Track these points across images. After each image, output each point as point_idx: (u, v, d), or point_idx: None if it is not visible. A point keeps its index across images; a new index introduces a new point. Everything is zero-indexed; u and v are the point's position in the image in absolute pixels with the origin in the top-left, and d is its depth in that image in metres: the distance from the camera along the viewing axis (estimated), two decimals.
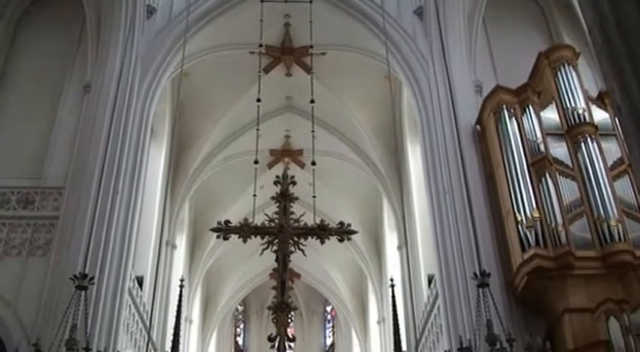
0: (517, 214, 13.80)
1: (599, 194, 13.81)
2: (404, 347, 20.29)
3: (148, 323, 18.17)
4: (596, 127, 14.75)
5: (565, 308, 13.01)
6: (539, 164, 14.29)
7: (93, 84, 16.77)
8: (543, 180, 14.09)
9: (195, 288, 26.34)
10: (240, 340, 34.39)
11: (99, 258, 13.94)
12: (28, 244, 14.81)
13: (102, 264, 13.92)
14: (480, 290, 9.72)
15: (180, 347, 20.80)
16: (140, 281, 18.26)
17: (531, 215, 13.62)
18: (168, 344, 20.19)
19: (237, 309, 33.96)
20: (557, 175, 14.24)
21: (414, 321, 19.94)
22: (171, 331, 20.30)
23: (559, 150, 14.72)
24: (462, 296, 13.92)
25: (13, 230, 14.99)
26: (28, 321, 13.51)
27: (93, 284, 10.66)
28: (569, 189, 14.14)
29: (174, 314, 20.64)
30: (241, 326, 34.80)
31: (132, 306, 16.73)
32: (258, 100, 13.51)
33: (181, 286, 21.55)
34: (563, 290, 13.18)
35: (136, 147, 16.05)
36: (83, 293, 9.63)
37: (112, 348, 12.56)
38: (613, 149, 14.66)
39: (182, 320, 21.55)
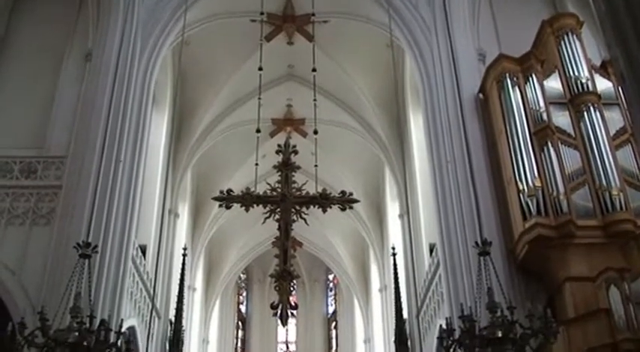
0: (519, 183, 13.81)
1: (601, 163, 13.81)
2: (405, 314, 20.63)
3: (151, 291, 18.30)
4: (599, 96, 14.69)
5: (566, 277, 13.09)
6: (542, 133, 14.27)
7: (94, 52, 16.68)
8: (545, 149, 14.08)
9: (198, 257, 26.49)
10: (243, 308, 34.66)
11: (102, 227, 14.00)
12: (32, 213, 14.86)
13: (105, 233, 13.98)
14: (481, 258, 9.75)
15: (184, 314, 21.14)
16: (143, 249, 18.36)
17: (533, 184, 13.63)
18: (172, 312, 20.57)
19: (239, 277, 34.17)
20: (560, 144, 14.23)
21: (416, 289, 20.08)
22: (175, 299, 20.71)
23: (562, 119, 14.68)
24: (463, 264, 13.99)
25: (16, 199, 15.03)
26: (32, 290, 13.62)
27: (96, 252, 10.69)
28: (572, 158, 14.14)
29: (178, 282, 21.12)
30: (244, 294, 35.05)
31: (135, 275, 16.86)
32: (260, 69, 13.44)
33: (184, 254, 21.95)
34: (564, 258, 13.25)
35: (138, 116, 16.02)
36: (87, 261, 9.67)
37: (116, 316, 12.65)
38: (616, 118, 14.63)
39: (185, 289, 21.80)
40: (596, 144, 14.06)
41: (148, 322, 18.09)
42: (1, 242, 14.44)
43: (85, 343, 8.59)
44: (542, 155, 14.05)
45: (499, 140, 14.92)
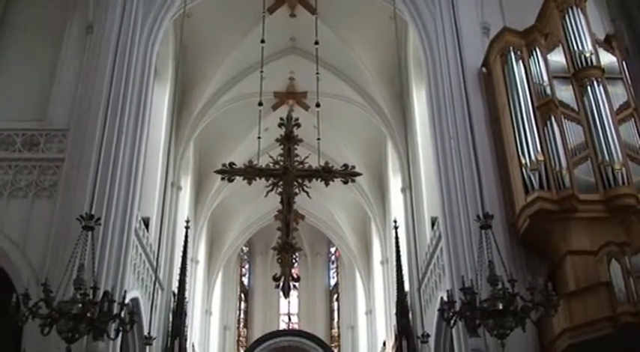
0: (521, 157, 13.81)
1: (604, 138, 13.81)
2: (406, 287, 20.77)
3: (154, 263, 18.41)
4: (602, 70, 14.64)
5: (567, 251, 13.15)
6: (545, 107, 14.23)
7: (95, 25, 16.59)
8: (549, 123, 14.06)
9: (200, 229, 26.59)
10: (245, 280, 34.88)
11: (105, 199, 14.04)
12: (34, 186, 14.89)
13: (108, 205, 14.03)
14: (483, 231, 9.78)
15: (187, 286, 21.29)
16: (146, 222, 18.44)
17: (536, 158, 13.63)
18: (175, 284, 20.72)
19: (242, 250, 34.33)
20: (563, 119, 14.21)
21: (417, 262, 20.20)
22: (178, 271, 20.83)
23: (565, 93, 14.64)
24: (465, 238, 14.04)
25: (19, 172, 15.06)
26: (36, 262, 13.71)
27: (99, 224, 10.74)
28: (575, 133, 14.13)
29: (181, 254, 21.24)
30: (246, 266, 35.24)
31: (138, 247, 16.94)
32: (262, 41, 13.38)
33: (187, 227, 22.05)
34: (565, 232, 13.30)
35: (140, 89, 15.98)
36: (90, 233, 9.71)
37: (120, 288, 12.74)
38: (619, 93, 14.59)
39: (188, 261, 21.95)
40: (599, 119, 14.04)
41: (151, 294, 18.22)
42: (5, 214, 14.50)
43: (88, 314, 8.66)
44: (545, 129, 14.04)
45: (502, 114, 14.89)
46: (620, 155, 13.57)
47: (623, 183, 13.30)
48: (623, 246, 12.08)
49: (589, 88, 14.39)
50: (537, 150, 13.74)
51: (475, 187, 14.38)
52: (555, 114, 14.14)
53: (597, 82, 14.41)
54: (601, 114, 14.08)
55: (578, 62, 14.74)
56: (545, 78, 14.56)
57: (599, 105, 14.17)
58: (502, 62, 15.11)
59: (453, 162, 15.13)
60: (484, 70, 15.93)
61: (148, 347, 15.27)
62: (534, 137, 13.91)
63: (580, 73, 14.62)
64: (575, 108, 14.42)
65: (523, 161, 13.73)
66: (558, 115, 14.17)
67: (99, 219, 10.37)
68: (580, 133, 14.10)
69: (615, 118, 14.13)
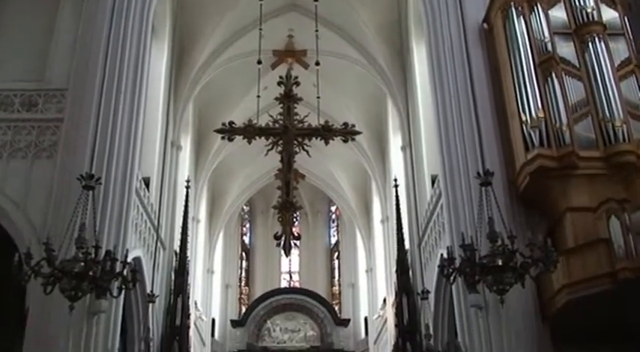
0: (522, 114, 13.76)
1: (604, 94, 13.75)
2: (407, 245, 20.91)
3: (155, 222, 18.50)
4: (604, 26, 14.51)
5: (567, 207, 13.19)
6: (546, 64, 14.14)
7: None
8: (549, 79, 13.98)
9: (201, 189, 26.64)
10: (246, 239, 35.08)
11: (105, 159, 14.04)
12: (34, 147, 14.86)
13: (108, 165, 14.02)
14: (483, 188, 9.80)
15: (188, 245, 21.43)
16: (147, 181, 18.46)
17: (536, 115, 13.59)
18: (177, 243, 20.85)
19: (243, 209, 34.46)
20: (564, 75, 14.13)
21: (417, 220, 20.29)
22: (179, 230, 20.95)
23: (566, 49, 14.54)
24: (465, 195, 14.07)
25: (18, 132, 15.02)
26: (37, 222, 13.75)
27: (100, 184, 10.75)
28: (575, 89, 14.07)
29: (182, 213, 21.31)
30: (247, 225, 35.41)
31: (139, 206, 16.99)
32: None
33: (187, 187, 22.10)
34: (565, 189, 13.32)
35: (138, 47, 15.83)
36: (90, 193, 9.73)
37: (122, 247, 12.80)
38: (621, 49, 14.48)
39: (189, 220, 22.04)
40: (600, 75, 13.97)
41: (153, 253, 18.37)
42: (5, 175, 14.51)
43: (90, 273, 8.72)
44: (546, 86, 13.96)
45: (503, 71, 14.79)
46: (620, 112, 13.53)
47: (624, 139, 13.28)
48: (623, 203, 12.11)
49: (590, 44, 14.28)
50: (538, 106, 13.68)
51: (475, 144, 14.37)
52: (556, 71, 14.05)
53: (599, 38, 14.29)
54: (602, 71, 14.00)
55: (580, 18, 14.61)
56: (547, 34, 14.43)
57: (600, 61, 14.08)
58: (503, 18, 14.95)
59: (454, 120, 15.09)
60: (485, 25, 15.77)
61: (150, 305, 15.43)
62: (535, 94, 13.84)
63: (581, 29, 14.50)
64: (576, 64, 14.33)
65: (523, 118, 13.68)
66: (559, 72, 14.09)
67: (99, 178, 10.39)
68: (581, 90, 14.04)
69: (616, 75, 14.05)
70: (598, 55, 14.14)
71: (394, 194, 21.90)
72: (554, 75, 13.98)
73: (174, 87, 22.09)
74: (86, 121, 14.39)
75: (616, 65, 14.20)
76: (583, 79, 14.13)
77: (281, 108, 8.85)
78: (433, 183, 18.33)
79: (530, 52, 14.32)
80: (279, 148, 8.58)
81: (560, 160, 13.24)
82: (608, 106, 13.61)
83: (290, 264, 34.62)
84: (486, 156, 14.14)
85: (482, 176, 9.96)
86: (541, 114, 13.59)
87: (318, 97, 13.13)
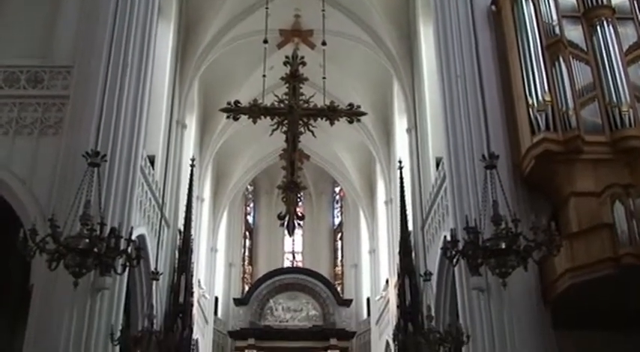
0: (529, 98, 13.72)
1: (612, 78, 13.71)
2: (410, 226, 20.93)
3: (160, 200, 18.55)
4: (613, 10, 14.43)
5: (571, 192, 13.19)
6: (554, 47, 14.07)
7: None
8: (557, 63, 13.92)
9: (205, 168, 26.69)
10: (250, 218, 35.18)
11: (110, 137, 14.04)
12: (39, 123, 14.87)
13: (113, 142, 14.03)
14: (488, 172, 9.77)
15: (193, 224, 21.50)
16: (152, 160, 18.49)
17: (543, 99, 13.54)
18: (181, 222, 20.92)
19: (247, 189, 34.53)
20: (571, 59, 14.07)
21: (421, 202, 20.31)
22: (184, 209, 21.00)
23: (574, 33, 14.47)
24: (469, 178, 14.06)
25: (24, 109, 15.01)
26: (42, 198, 13.79)
27: (105, 161, 10.75)
28: (583, 73, 14.01)
29: (186, 192, 21.36)
30: (251, 205, 35.50)
31: (144, 184, 17.03)
32: None
33: (192, 165, 22.14)
34: (570, 174, 13.31)
35: (144, 25, 15.76)
36: (96, 170, 9.74)
37: (126, 224, 12.84)
38: (629, 33, 14.42)
39: (194, 199, 22.10)
40: (607, 60, 13.92)
41: (157, 231, 18.43)
42: (11, 152, 14.52)
43: (95, 249, 8.75)
44: (554, 70, 13.90)
45: (510, 54, 14.72)
46: (628, 96, 13.49)
47: (630, 124, 13.25)
48: (628, 188, 12.11)
49: (599, 27, 14.22)
50: (545, 90, 13.63)
51: (481, 127, 14.34)
52: (564, 54, 13.99)
53: (607, 21, 14.22)
54: (610, 55, 13.95)
55: (589, 1, 14.55)
56: (555, 17, 14.35)
57: (608, 45, 14.02)
58: (511, 0, 14.85)
59: (460, 102, 15.04)
60: (493, 8, 15.67)
61: (154, 283, 15.51)
62: (542, 77, 13.78)
63: (590, 13, 14.42)
64: (584, 48, 14.27)
65: (530, 101, 13.64)
66: (567, 55, 14.02)
67: (104, 155, 10.39)
68: (588, 74, 13.99)
69: (624, 59, 13.99)
70: (606, 39, 14.07)
71: (398, 176, 21.90)
72: (561, 58, 13.92)
73: (180, 65, 22.05)
74: (92, 98, 14.38)
75: (624, 49, 14.14)
76: (590, 63, 14.07)
77: (286, 88, 8.81)
78: (438, 165, 18.33)
79: (538, 35, 14.24)
80: (284, 128, 8.55)
81: (565, 144, 13.21)
82: (615, 91, 13.57)
83: (293, 244, 34.75)
84: (492, 139, 14.11)
85: (487, 159, 9.93)
86: (548, 98, 13.54)
87: (324, 78, 13.07)
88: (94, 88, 14.48)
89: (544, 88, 13.68)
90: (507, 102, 14.58)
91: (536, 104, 13.55)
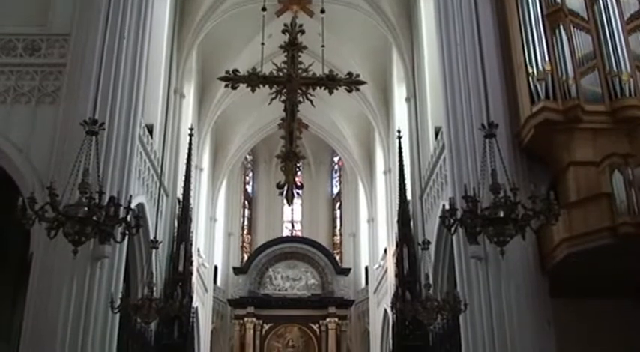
0: (529, 66, 13.66)
1: (612, 48, 13.63)
2: (409, 196, 20.97)
3: (159, 170, 18.54)
4: None
5: (570, 161, 13.20)
6: (554, 16, 13.97)
7: None
8: (557, 32, 13.84)
9: (204, 137, 26.63)
10: (249, 188, 35.21)
11: (108, 105, 13.99)
12: (37, 92, 14.82)
13: (111, 111, 13.99)
14: (487, 140, 9.75)
15: (191, 193, 21.52)
16: (150, 129, 18.45)
17: (543, 67, 13.48)
18: (180, 191, 20.94)
19: (246, 158, 34.50)
20: (572, 27, 13.98)
21: (420, 171, 20.33)
22: (183, 178, 21.01)
23: (575, 1, 14.37)
24: (468, 147, 14.06)
25: (21, 77, 14.94)
26: (41, 167, 13.78)
27: (103, 129, 10.71)
28: (583, 42, 13.94)
29: (185, 161, 21.35)
30: (250, 174, 35.50)
31: (143, 153, 17.02)
32: None
33: (191, 134, 22.11)
34: (569, 143, 13.31)
35: None
36: (94, 138, 9.70)
37: (125, 193, 12.85)
38: (631, 2, 14.35)
39: (192, 168, 22.10)
40: (608, 29, 13.84)
41: (156, 200, 18.46)
42: (8, 120, 14.49)
43: (94, 218, 8.75)
44: (554, 38, 13.83)
45: (511, 22, 14.60)
46: (628, 66, 13.43)
47: (630, 94, 13.22)
48: (627, 158, 12.10)
49: None
50: (545, 59, 13.57)
51: (480, 96, 14.29)
52: (564, 23, 13.89)
53: None
54: (611, 24, 13.86)
55: None
56: None
57: (609, 14, 13.92)
58: None
59: (459, 71, 14.97)
60: None
61: (154, 251, 15.57)
62: (542, 46, 13.70)
63: None
64: (585, 17, 14.16)
65: (530, 70, 13.58)
66: (567, 24, 13.93)
67: (102, 124, 10.34)
68: (589, 43, 13.91)
69: (625, 28, 13.90)
70: (607, 7, 13.97)
71: (397, 145, 21.89)
72: (562, 27, 13.83)
73: (178, 34, 21.90)
74: (89, 67, 14.30)
75: (625, 18, 14.05)
76: (591, 31, 13.98)
77: (285, 56, 8.75)
78: (437, 134, 18.30)
79: (538, 3, 14.15)
80: (283, 97, 8.51)
81: (565, 113, 13.18)
82: (615, 60, 13.51)
83: (292, 213, 34.84)
84: (491, 108, 14.07)
85: (486, 128, 9.90)
86: (548, 67, 13.48)
87: (323, 46, 12.99)
88: (91, 57, 14.40)
89: (544, 56, 13.61)
90: (507, 71, 14.51)
91: (536, 73, 13.49)
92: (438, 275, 17.88)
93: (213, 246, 28.75)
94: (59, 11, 15.63)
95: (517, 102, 13.99)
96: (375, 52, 26.05)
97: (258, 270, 30.02)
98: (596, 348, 12.75)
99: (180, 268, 19.69)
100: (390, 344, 21.78)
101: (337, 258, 32.00)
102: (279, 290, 29.93)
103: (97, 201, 8.92)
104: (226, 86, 8.53)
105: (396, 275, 20.30)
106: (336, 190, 35.53)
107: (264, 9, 12.46)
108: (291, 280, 30.16)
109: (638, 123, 13.15)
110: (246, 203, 34.76)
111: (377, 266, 27.66)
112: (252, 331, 28.62)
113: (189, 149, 21.75)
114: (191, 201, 21.45)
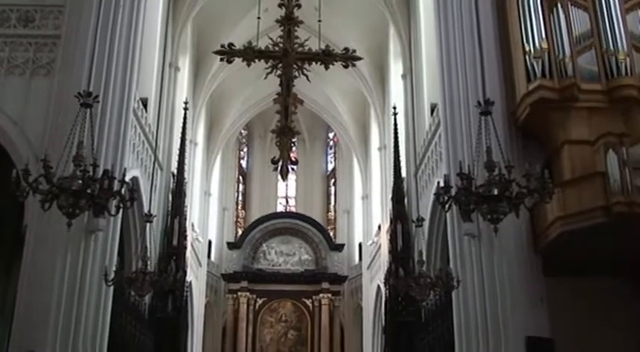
0: (525, 44, 13.60)
1: (610, 26, 13.58)
2: (403, 173, 20.98)
3: (153, 143, 18.49)
4: None
5: (565, 140, 13.20)
6: None
7: None
8: (555, 10, 13.78)
9: (199, 111, 26.52)
10: (243, 163, 35.17)
11: (102, 78, 13.92)
12: (31, 63, 14.74)
13: (106, 84, 13.92)
14: (482, 118, 9.73)
15: (186, 168, 21.49)
16: (144, 102, 18.37)
17: (540, 46, 13.44)
18: (174, 165, 20.90)
19: (241, 133, 34.40)
20: (570, 5, 13.91)
21: (415, 148, 20.32)
22: (177, 152, 20.95)
23: None
24: (464, 124, 14.05)
25: (15, 49, 14.84)
26: (35, 139, 13.75)
27: (97, 102, 10.64)
28: (581, 20, 13.87)
29: (180, 136, 21.29)
30: (245, 149, 35.44)
31: (137, 127, 16.96)
32: None
33: (185, 108, 22.03)
34: (564, 121, 13.30)
35: None
36: (88, 111, 9.65)
37: (119, 166, 12.83)
38: None
39: (187, 142, 22.04)
40: (606, 7, 13.78)
41: (150, 174, 18.42)
42: (2, 92, 14.44)
43: (88, 190, 8.73)
44: (551, 16, 13.78)
45: None
46: (625, 45, 13.39)
47: (627, 73, 13.19)
48: (622, 137, 12.10)
49: None
50: (542, 37, 13.51)
51: (477, 74, 14.24)
52: (562, 1, 13.84)
53: None
54: (609, 2, 13.81)
55: None
56: None
57: None
58: None
59: (456, 48, 14.91)
60: None
61: (148, 225, 15.58)
62: (539, 24, 13.65)
63: None
64: None
65: (527, 48, 13.53)
66: (565, 2, 13.87)
67: (97, 96, 10.28)
68: (586, 21, 13.84)
69: (623, 7, 13.83)
70: None
71: (393, 122, 21.85)
72: (559, 5, 13.77)
73: (173, 6, 21.72)
74: (83, 39, 14.21)
75: None
76: (589, 9, 13.91)
77: (281, 31, 8.69)
78: (432, 111, 18.27)
79: None
80: (279, 72, 8.47)
81: (561, 92, 13.16)
82: (612, 39, 13.46)
83: (287, 189, 34.84)
84: (487, 85, 14.03)
85: (482, 105, 9.88)
86: (544, 45, 13.43)
87: (320, 21, 12.91)
88: (85, 28, 14.30)
89: (541, 34, 13.56)
90: (504, 48, 14.45)
91: (532, 51, 13.45)
92: (432, 252, 17.95)
93: (207, 221, 28.79)
94: None
95: (513, 80, 13.96)
96: (372, 28, 25.89)
97: (252, 245, 30.11)
98: (589, 326, 12.86)
99: (175, 242, 19.72)
100: (382, 320, 21.92)
101: (331, 234, 32.09)
102: (272, 265, 30.05)
103: (91, 173, 8.90)
104: (222, 60, 8.48)
105: (390, 252, 20.37)
106: (330, 166, 35.51)
107: None
108: (285, 255, 30.27)
109: (633, 102, 13.15)
110: (241, 178, 34.73)
111: (370, 242, 27.75)
112: (245, 305, 28.80)
113: (184, 123, 21.68)
114: (185, 175, 21.42)
